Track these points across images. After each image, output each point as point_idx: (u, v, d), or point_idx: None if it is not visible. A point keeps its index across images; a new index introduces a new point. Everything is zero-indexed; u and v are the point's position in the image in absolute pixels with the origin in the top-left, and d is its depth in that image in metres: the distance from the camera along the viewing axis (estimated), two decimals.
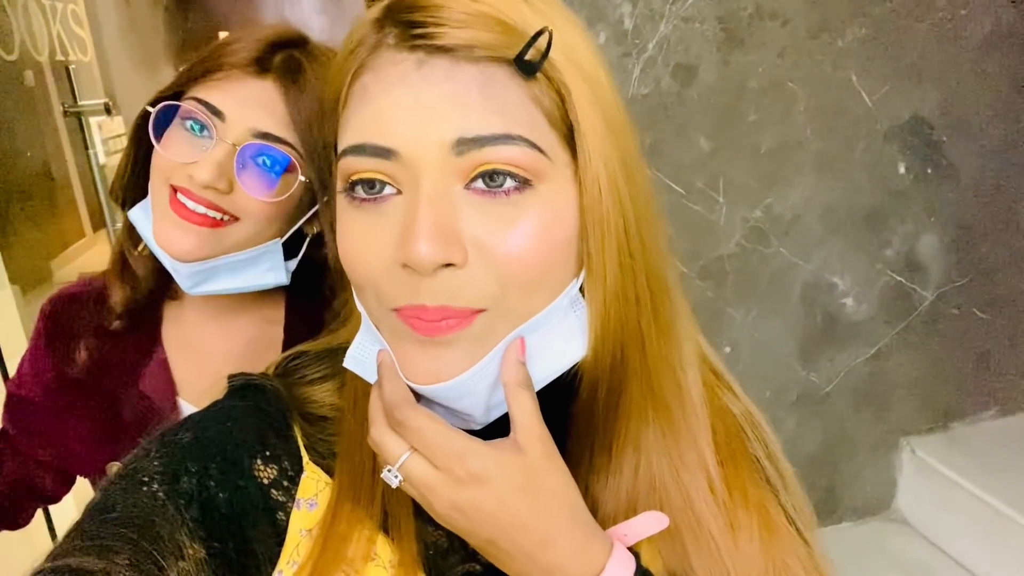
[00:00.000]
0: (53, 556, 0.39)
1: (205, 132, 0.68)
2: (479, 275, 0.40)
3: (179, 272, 0.70)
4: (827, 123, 1.28)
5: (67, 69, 1.76)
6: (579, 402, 0.47)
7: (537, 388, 0.45)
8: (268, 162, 0.69)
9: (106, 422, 0.77)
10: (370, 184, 0.41)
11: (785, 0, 1.21)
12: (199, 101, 0.68)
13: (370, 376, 0.47)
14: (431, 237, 0.38)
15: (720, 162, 1.26)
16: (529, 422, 0.43)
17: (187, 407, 0.76)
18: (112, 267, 0.78)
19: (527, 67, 0.39)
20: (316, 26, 3.19)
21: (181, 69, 0.72)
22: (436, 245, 0.38)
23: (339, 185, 0.43)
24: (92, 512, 0.42)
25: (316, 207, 0.72)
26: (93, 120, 1.83)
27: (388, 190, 0.41)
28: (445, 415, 0.44)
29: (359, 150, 0.41)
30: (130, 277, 0.77)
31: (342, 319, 0.54)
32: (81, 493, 0.86)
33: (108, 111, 1.80)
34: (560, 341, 0.45)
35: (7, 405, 0.83)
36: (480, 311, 0.41)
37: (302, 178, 0.70)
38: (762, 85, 1.24)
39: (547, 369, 0.45)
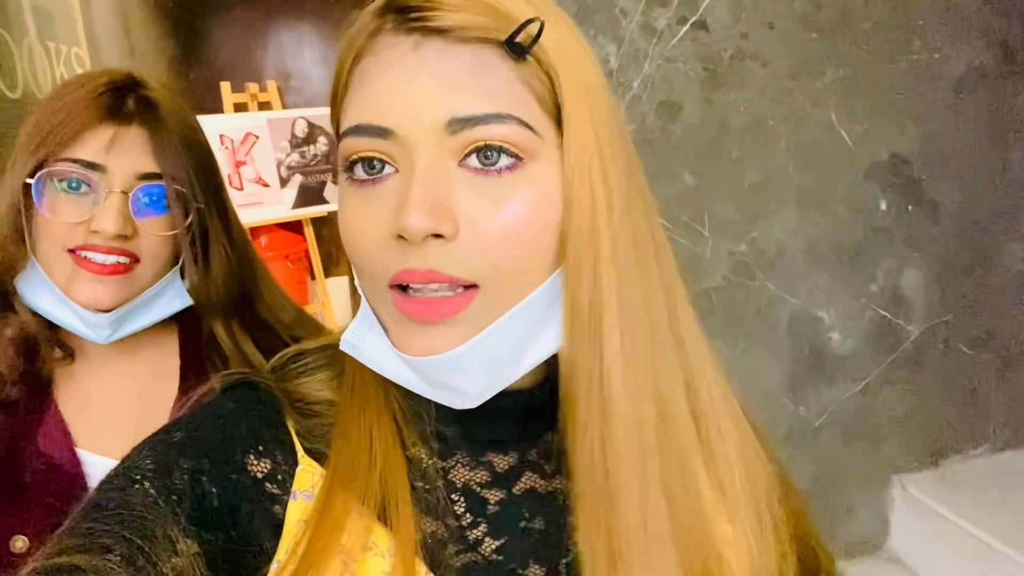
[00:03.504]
0: (45, 555, 0.39)
1: (82, 188, 0.70)
2: (468, 249, 0.41)
3: (98, 324, 0.72)
4: (808, 160, 1.32)
5: None
6: (564, 392, 0.47)
7: (529, 368, 0.45)
8: (153, 198, 0.73)
9: (3, 491, 0.74)
10: (369, 164, 0.43)
11: (765, 42, 1.25)
12: (72, 161, 0.70)
13: (366, 359, 0.48)
14: (422, 207, 0.40)
15: (705, 197, 1.29)
16: None
17: (88, 457, 0.75)
18: None
19: (517, 49, 0.41)
20: (316, 76, 3.27)
21: (29, 140, 0.72)
22: (426, 215, 0.40)
23: (340, 166, 0.45)
24: (84, 511, 0.42)
25: (188, 220, 0.75)
26: None
27: (387, 170, 0.43)
28: (442, 393, 0.45)
29: (358, 130, 0.42)
30: (20, 346, 0.76)
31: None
32: None
33: None
34: (553, 323, 0.45)
35: None
36: (472, 286, 0.42)
37: (196, 204, 0.74)
38: (744, 123, 1.28)
39: (541, 352, 0.46)
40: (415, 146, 0.41)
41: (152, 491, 0.43)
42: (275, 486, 0.47)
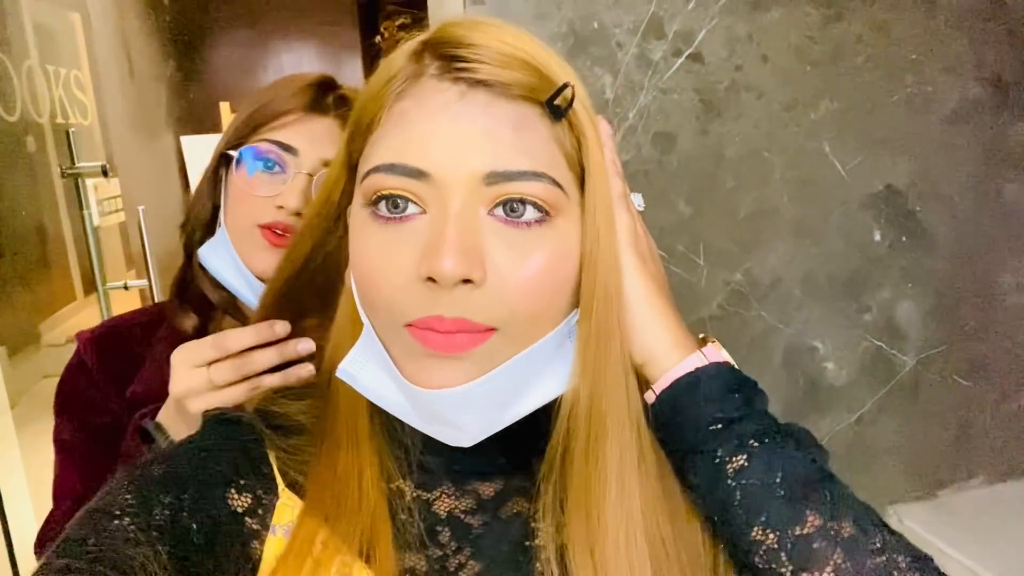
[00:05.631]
0: None
1: (276, 168, 0.79)
2: (493, 295, 0.43)
3: None
4: (803, 191, 1.32)
5: (67, 133, 1.81)
6: (554, 439, 0.49)
7: (528, 413, 0.47)
8: None
9: None
10: (394, 203, 0.44)
11: (759, 75, 1.26)
12: (271, 142, 0.79)
13: (363, 388, 0.49)
14: (457, 252, 0.41)
15: (700, 227, 1.29)
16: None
17: None
18: (178, 299, 0.88)
19: (556, 111, 0.44)
20: None
21: (239, 120, 0.83)
22: (460, 260, 0.41)
23: (361, 201, 0.46)
24: (61, 547, 0.42)
25: None
26: (89, 182, 1.87)
27: (412, 209, 0.44)
28: (439, 430, 0.46)
29: (392, 168, 0.44)
30: (196, 304, 0.86)
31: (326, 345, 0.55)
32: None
33: (105, 173, 1.85)
34: (557, 368, 0.48)
35: (80, 450, 0.85)
36: (492, 329, 0.43)
37: None
38: (739, 154, 1.28)
39: (542, 396, 0.48)
40: (450, 191, 0.43)
41: (132, 527, 0.42)
42: (255, 521, 0.48)
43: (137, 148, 2.12)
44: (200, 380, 0.66)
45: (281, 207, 0.78)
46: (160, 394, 0.78)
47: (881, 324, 1.41)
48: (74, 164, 1.82)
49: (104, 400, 0.85)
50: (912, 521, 1.48)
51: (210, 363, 0.66)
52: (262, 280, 0.78)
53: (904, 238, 1.39)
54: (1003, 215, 1.42)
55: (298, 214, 0.78)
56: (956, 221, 1.40)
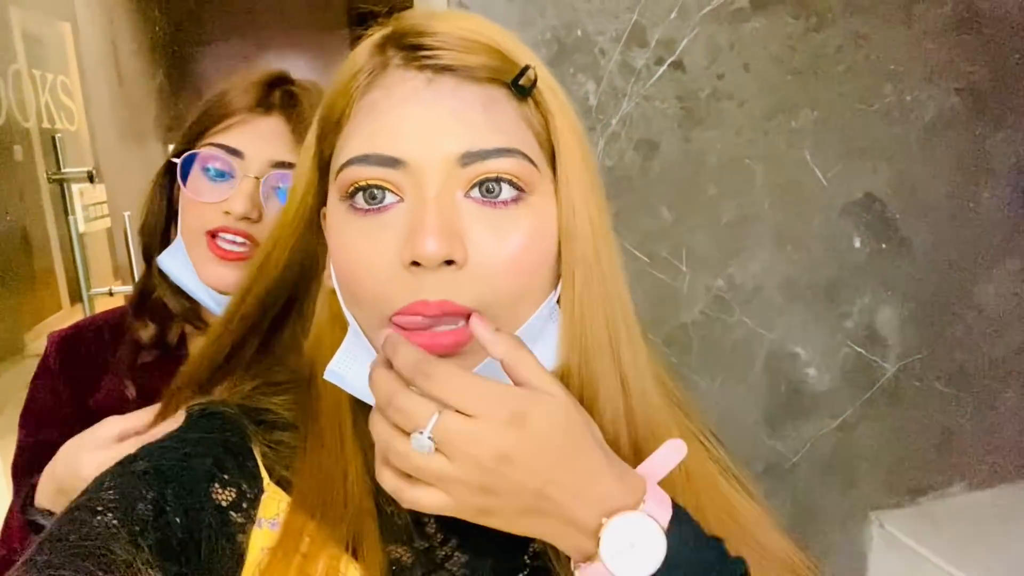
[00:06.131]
0: None
1: (221, 177, 0.77)
2: (476, 276, 0.43)
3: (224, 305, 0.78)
4: (784, 198, 1.34)
5: (53, 138, 1.81)
6: None
7: None
8: (285, 186, 0.77)
9: None
10: (371, 194, 0.44)
11: (740, 83, 1.28)
12: (216, 146, 0.77)
13: (353, 388, 0.49)
14: (438, 233, 0.42)
15: (682, 232, 1.30)
16: (541, 371, 0.43)
17: None
18: (135, 308, 0.86)
19: (521, 90, 0.45)
20: None
21: (187, 124, 0.81)
22: (442, 240, 0.41)
23: (336, 195, 0.46)
24: (44, 543, 0.41)
25: None
26: (75, 187, 1.87)
27: (389, 199, 0.44)
28: None
29: (365, 160, 0.44)
30: (155, 313, 0.85)
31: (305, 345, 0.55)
32: None
33: (91, 179, 1.84)
34: (541, 349, 0.47)
35: (23, 459, 0.84)
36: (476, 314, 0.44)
37: None
38: (721, 161, 1.30)
39: None
40: (426, 176, 0.43)
41: (115, 522, 0.42)
42: (240, 515, 0.47)
43: (124, 155, 2.12)
44: (111, 459, 0.64)
45: (228, 212, 0.76)
46: (119, 407, 0.76)
47: (862, 330, 1.43)
48: (60, 169, 1.82)
49: (57, 408, 0.83)
50: (893, 527, 1.49)
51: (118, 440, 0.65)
52: (221, 292, 0.77)
53: (883, 245, 1.40)
54: (980, 223, 1.44)
55: (246, 219, 0.76)
56: (934, 229, 1.42)
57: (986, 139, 1.41)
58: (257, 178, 0.76)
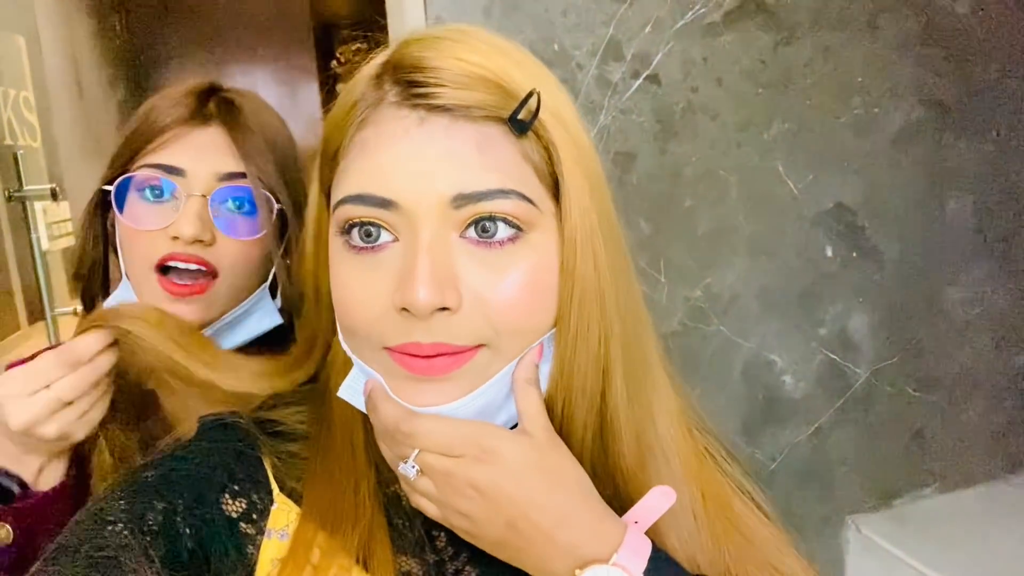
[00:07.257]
0: None
1: (163, 197, 0.70)
2: (472, 318, 0.43)
3: None
4: (758, 209, 1.36)
5: (15, 155, 1.76)
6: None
7: (514, 422, 0.47)
8: (237, 204, 0.71)
9: None
10: (367, 232, 0.43)
11: (713, 96, 1.30)
12: (152, 166, 0.70)
13: (362, 407, 0.49)
14: (429, 282, 0.41)
15: (660, 244, 1.32)
16: (534, 413, 0.45)
17: None
18: None
19: (520, 126, 0.43)
20: None
21: (116, 149, 0.73)
22: (433, 290, 0.41)
23: (334, 229, 0.45)
24: (56, 553, 0.41)
25: (288, 234, 0.74)
26: (38, 205, 1.82)
27: (385, 237, 0.44)
28: None
29: (359, 199, 0.43)
30: None
31: (322, 362, 0.55)
32: None
33: (55, 196, 1.80)
34: (545, 372, 0.48)
35: None
36: (480, 346, 0.44)
37: (277, 206, 0.72)
38: (697, 173, 1.32)
39: None
40: (419, 218, 0.42)
41: (125, 532, 0.42)
42: (250, 526, 0.47)
43: (87, 171, 2.08)
44: (43, 403, 0.59)
45: (176, 237, 0.68)
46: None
47: (835, 337, 1.45)
48: (22, 187, 1.77)
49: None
50: (869, 531, 1.51)
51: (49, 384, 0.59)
52: None
53: (854, 254, 1.43)
54: (947, 231, 1.48)
55: (198, 242, 0.68)
56: (903, 237, 1.46)
57: (951, 149, 1.45)
58: (204, 196, 0.69)
